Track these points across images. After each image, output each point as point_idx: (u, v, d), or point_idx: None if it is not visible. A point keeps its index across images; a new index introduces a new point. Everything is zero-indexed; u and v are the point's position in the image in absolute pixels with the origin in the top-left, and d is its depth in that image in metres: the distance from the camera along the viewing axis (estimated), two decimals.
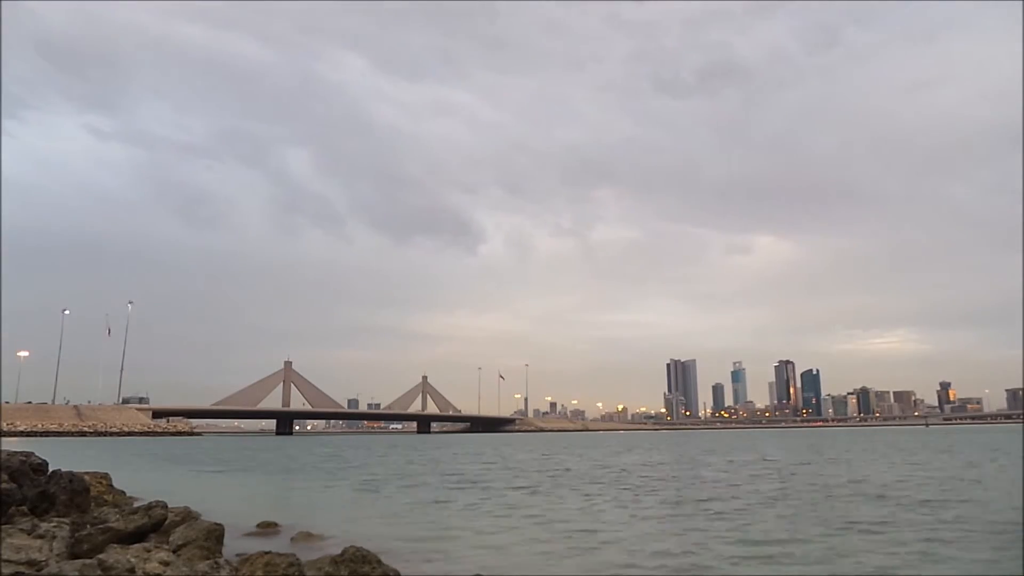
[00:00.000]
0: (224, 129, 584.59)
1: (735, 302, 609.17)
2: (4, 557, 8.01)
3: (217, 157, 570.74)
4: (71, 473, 13.30)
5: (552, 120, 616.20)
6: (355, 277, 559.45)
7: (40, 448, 22.01)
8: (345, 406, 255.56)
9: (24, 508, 11.41)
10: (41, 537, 8.64)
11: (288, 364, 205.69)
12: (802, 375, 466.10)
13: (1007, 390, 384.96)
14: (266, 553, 8.62)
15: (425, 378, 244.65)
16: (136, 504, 13.56)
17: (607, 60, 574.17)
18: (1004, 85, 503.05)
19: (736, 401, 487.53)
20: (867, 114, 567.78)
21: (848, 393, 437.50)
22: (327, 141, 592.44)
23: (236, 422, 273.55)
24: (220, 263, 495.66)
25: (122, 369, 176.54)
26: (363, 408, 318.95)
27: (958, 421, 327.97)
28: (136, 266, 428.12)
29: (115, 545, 9.22)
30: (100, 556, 8.47)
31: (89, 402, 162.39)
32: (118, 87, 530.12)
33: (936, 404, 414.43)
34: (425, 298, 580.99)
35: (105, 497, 16.61)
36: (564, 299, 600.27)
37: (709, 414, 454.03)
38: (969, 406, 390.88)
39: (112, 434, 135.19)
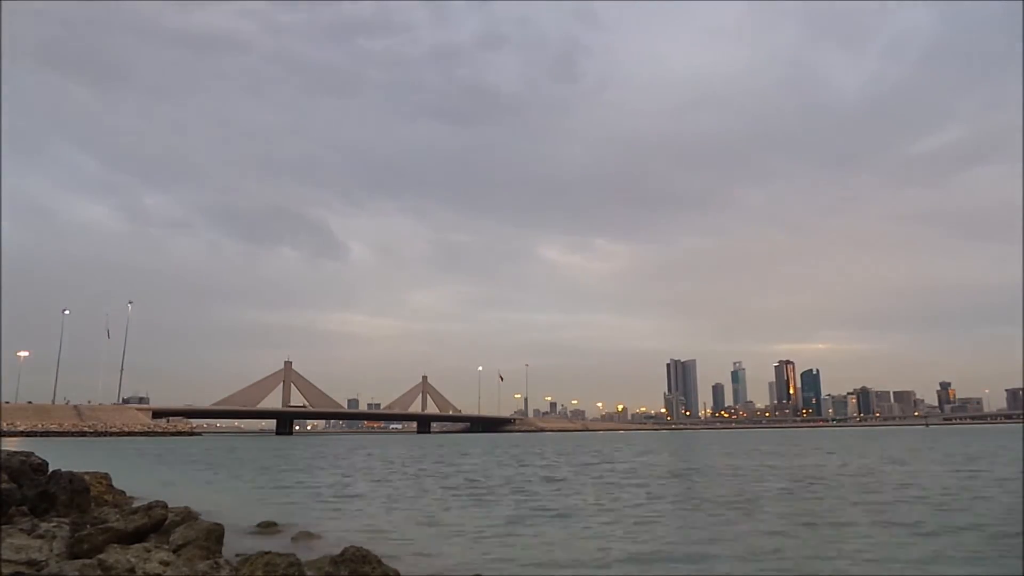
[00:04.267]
0: None
1: (619, 301, 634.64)
2: (4, 557, 8.01)
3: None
4: (71, 473, 13.30)
5: (331, 138, 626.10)
6: (251, 283, 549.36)
7: (40, 448, 22.01)
8: (345, 406, 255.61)
9: (24, 508, 11.41)
10: (41, 537, 8.65)
11: (288, 364, 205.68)
12: (802, 375, 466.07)
13: (1007, 390, 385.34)
14: (266, 553, 8.62)
15: (425, 378, 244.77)
16: (136, 504, 13.56)
17: (369, 89, 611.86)
18: (749, 102, 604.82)
19: (736, 401, 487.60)
20: (641, 132, 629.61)
21: (848, 393, 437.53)
22: (103, 142, 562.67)
23: (236, 422, 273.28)
24: (84, 272, 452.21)
25: (122, 369, 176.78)
26: (363, 408, 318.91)
27: (958, 421, 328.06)
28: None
29: (115, 545, 9.22)
30: (100, 556, 8.47)
31: (89, 402, 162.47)
32: None
33: (936, 404, 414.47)
34: (324, 302, 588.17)
35: (105, 497, 16.61)
36: (457, 297, 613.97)
37: (709, 414, 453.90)
38: (969, 406, 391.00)
39: (112, 434, 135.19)
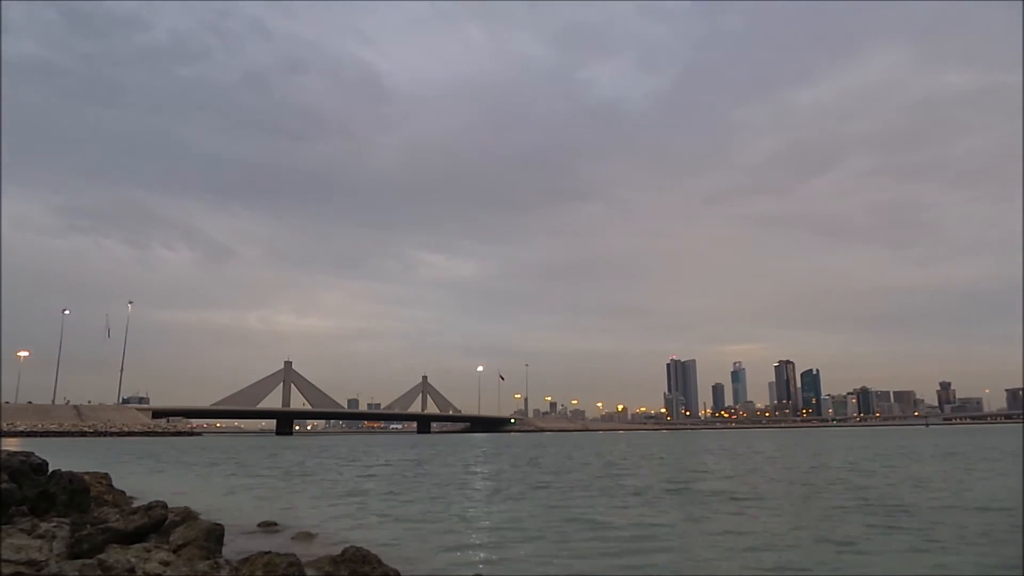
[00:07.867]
0: None
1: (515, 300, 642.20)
2: (4, 557, 8.01)
3: None
4: (71, 473, 13.29)
5: (172, 155, 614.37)
6: (146, 284, 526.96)
7: (40, 448, 22.01)
8: (345, 406, 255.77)
9: (24, 508, 11.41)
10: (41, 537, 8.65)
11: (288, 364, 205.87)
12: (802, 375, 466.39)
13: (1007, 390, 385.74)
14: (266, 553, 8.63)
15: (425, 378, 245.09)
16: (136, 504, 13.57)
17: (191, 110, 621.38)
18: (539, 114, 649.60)
19: (736, 401, 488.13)
20: (458, 145, 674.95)
21: (848, 393, 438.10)
22: None
23: (236, 422, 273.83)
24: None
25: (122, 369, 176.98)
26: (363, 408, 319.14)
27: (958, 421, 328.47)
28: None
29: (115, 545, 9.22)
30: (100, 556, 8.47)
31: (89, 402, 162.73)
32: None
33: (936, 404, 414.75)
34: (241, 302, 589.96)
35: (105, 497, 16.60)
36: (370, 298, 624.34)
37: (709, 414, 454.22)
38: (969, 406, 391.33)
39: (112, 434, 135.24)
